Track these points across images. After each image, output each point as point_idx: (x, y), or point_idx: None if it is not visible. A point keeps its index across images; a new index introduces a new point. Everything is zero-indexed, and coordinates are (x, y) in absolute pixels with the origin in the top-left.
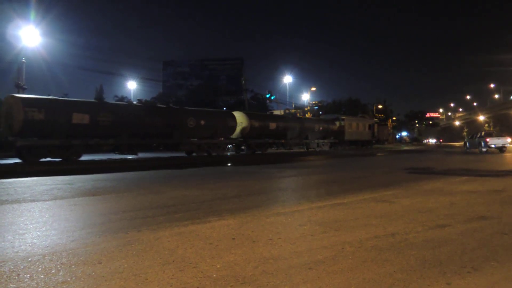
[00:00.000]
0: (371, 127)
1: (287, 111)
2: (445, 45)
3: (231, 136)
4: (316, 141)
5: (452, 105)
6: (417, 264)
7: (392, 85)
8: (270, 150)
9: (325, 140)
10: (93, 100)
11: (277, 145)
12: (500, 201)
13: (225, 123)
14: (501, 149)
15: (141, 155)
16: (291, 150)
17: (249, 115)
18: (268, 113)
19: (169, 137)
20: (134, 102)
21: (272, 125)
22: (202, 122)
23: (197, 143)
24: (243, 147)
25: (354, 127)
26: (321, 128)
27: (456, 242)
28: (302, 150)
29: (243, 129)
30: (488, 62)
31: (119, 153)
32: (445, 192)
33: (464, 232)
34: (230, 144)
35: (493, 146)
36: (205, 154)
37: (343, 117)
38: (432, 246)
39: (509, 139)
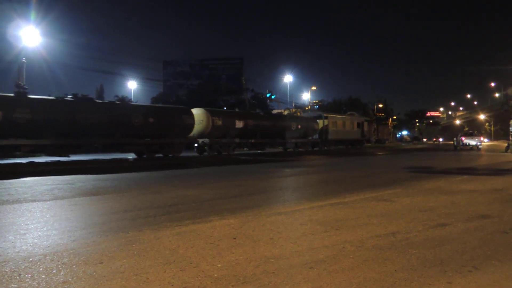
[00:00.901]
0: (359, 125)
1: (287, 111)
2: (445, 44)
3: (190, 136)
4: (294, 140)
5: (452, 104)
6: (418, 263)
7: (392, 84)
8: (239, 151)
9: (305, 140)
10: (8, 94)
11: (247, 145)
12: (501, 200)
13: (179, 121)
14: (477, 147)
15: (74, 157)
16: (264, 151)
17: (211, 112)
18: (267, 112)
19: (110, 136)
20: (134, 102)
21: (239, 123)
22: (151, 120)
23: (146, 144)
24: (206, 148)
25: (340, 125)
26: (299, 127)
27: (457, 241)
28: (277, 151)
29: (203, 128)
30: (488, 60)
31: (47, 155)
32: (445, 191)
33: (465, 231)
34: (187, 144)
35: (467, 144)
36: (160, 155)
37: (326, 115)
38: (433, 245)
39: (481, 139)
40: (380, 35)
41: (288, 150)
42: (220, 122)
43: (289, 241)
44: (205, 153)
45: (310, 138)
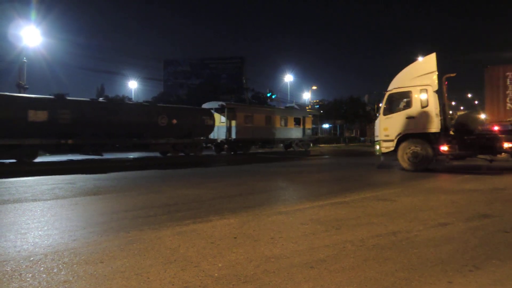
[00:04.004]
0: (299, 121)
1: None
2: (445, 42)
3: None
4: (165, 141)
5: (453, 103)
6: (418, 262)
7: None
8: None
9: (189, 140)
10: None
11: (58, 148)
12: (502, 199)
13: None
14: None
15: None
16: (102, 156)
17: None
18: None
19: None
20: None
21: (38, 115)
22: None
23: None
24: None
25: (259, 120)
26: (174, 122)
27: (457, 241)
28: (123, 157)
29: None
30: (489, 59)
31: None
32: (446, 190)
33: (465, 230)
34: None
35: None
36: None
37: (232, 107)
38: (433, 244)
39: None
40: (381, 34)
41: (169, 155)
42: None
43: (289, 241)
44: None
45: (203, 138)
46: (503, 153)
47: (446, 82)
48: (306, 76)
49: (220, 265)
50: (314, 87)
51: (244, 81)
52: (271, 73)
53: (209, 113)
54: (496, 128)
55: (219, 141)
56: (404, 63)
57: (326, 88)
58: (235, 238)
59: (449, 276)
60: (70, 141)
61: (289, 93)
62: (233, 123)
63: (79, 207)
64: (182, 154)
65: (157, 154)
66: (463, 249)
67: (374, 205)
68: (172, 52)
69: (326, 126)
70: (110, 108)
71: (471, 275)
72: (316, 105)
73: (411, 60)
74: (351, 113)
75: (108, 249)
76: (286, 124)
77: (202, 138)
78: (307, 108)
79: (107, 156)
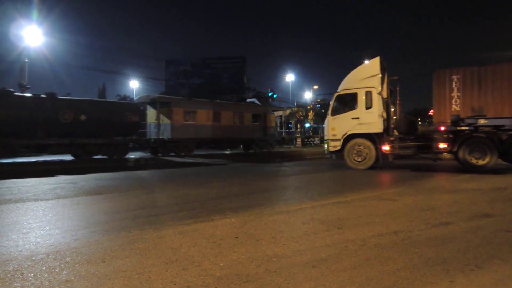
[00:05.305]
0: (259, 119)
1: (289, 110)
2: (447, 41)
3: None
4: (67, 141)
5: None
6: (420, 262)
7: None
8: None
9: (105, 141)
10: None
11: None
12: (503, 198)
13: None
14: None
15: None
16: None
17: None
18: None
19: None
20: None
21: None
22: None
23: None
24: None
25: (204, 117)
26: (83, 118)
27: (459, 240)
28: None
29: None
30: (491, 59)
31: None
32: (447, 190)
33: (467, 229)
34: None
35: None
36: None
37: (168, 100)
38: (435, 244)
39: None
40: (383, 33)
41: (84, 158)
42: None
43: (291, 240)
44: None
45: (134, 137)
46: (445, 153)
47: (398, 87)
48: (308, 76)
49: (221, 264)
50: (316, 87)
51: (246, 80)
52: (272, 72)
53: (134, 108)
54: (442, 128)
55: (152, 141)
56: (404, 62)
57: (327, 88)
58: (236, 237)
59: (450, 275)
60: None
61: (290, 93)
62: (169, 120)
63: (81, 207)
64: (105, 156)
65: (70, 157)
66: (464, 248)
67: (375, 205)
68: (173, 51)
69: None
70: None
71: (473, 275)
72: (318, 104)
73: (411, 59)
74: None
75: (110, 248)
76: (242, 122)
77: (133, 137)
78: (308, 107)
79: None
